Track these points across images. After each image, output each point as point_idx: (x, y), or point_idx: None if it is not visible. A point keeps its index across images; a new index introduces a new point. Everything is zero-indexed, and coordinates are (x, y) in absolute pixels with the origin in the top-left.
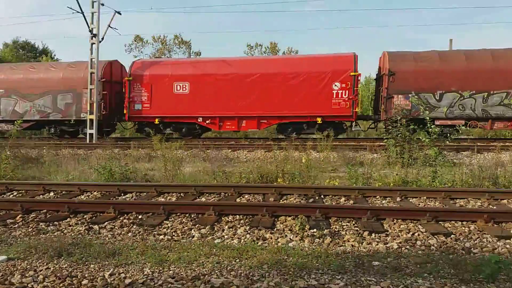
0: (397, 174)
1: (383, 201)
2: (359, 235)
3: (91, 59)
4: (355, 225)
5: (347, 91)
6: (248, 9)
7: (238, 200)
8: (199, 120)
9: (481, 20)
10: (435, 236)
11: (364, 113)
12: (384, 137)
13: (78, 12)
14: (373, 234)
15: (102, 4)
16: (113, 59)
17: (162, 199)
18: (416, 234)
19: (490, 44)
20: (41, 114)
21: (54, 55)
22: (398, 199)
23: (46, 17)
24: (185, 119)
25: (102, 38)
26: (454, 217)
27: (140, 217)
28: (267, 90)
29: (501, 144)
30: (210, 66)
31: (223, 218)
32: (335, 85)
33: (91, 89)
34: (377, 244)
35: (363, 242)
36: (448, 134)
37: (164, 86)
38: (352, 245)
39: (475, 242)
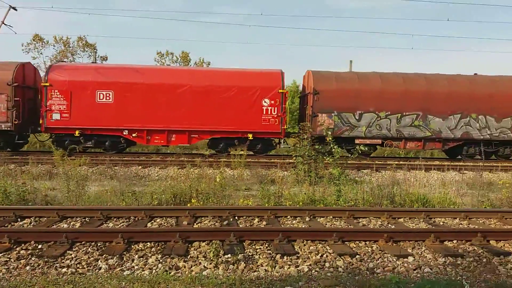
0: (305, 193)
1: (294, 221)
2: (272, 258)
3: None
4: (268, 248)
5: (276, 108)
6: (161, 16)
7: (149, 224)
8: (124, 133)
9: (375, 44)
10: (342, 257)
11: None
12: (293, 155)
13: None
14: (285, 257)
15: None
16: (25, 61)
17: (65, 225)
18: (325, 255)
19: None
20: None
21: None
22: (307, 218)
23: None
24: (109, 132)
25: None
26: (358, 237)
27: (40, 247)
28: (198, 103)
29: (396, 162)
30: (137, 74)
31: (133, 246)
32: (265, 102)
33: None
34: (289, 268)
35: (275, 266)
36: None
37: (85, 94)
38: (266, 270)
39: (378, 262)
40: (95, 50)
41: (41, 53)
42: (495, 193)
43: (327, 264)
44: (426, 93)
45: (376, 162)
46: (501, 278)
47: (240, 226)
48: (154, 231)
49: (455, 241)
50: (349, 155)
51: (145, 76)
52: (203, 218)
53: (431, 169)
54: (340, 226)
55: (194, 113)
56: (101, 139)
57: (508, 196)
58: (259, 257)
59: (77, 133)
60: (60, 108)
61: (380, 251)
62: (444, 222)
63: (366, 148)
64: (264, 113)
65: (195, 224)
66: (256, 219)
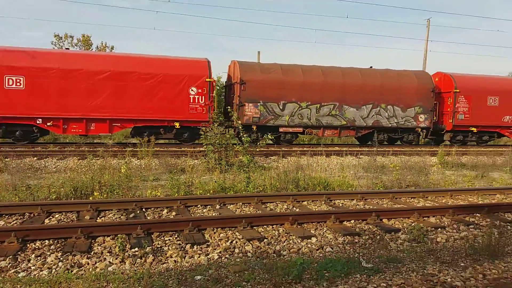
0: (215, 181)
1: (204, 210)
2: (182, 249)
3: None
4: (178, 238)
5: (203, 97)
6: None
7: (47, 221)
8: (38, 122)
9: (280, 37)
10: (251, 242)
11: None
12: (204, 143)
13: None
14: (195, 246)
15: None
16: None
17: None
18: (234, 241)
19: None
20: None
21: None
22: (218, 206)
23: None
24: (20, 120)
25: None
26: (266, 222)
27: None
28: (121, 90)
29: (300, 149)
30: (52, 59)
31: (28, 245)
32: (192, 90)
33: None
34: (199, 257)
35: (185, 256)
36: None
37: None
38: (175, 261)
39: (284, 244)
40: None
41: None
42: (387, 176)
43: (236, 250)
44: (342, 85)
45: (283, 149)
46: (392, 252)
47: (148, 218)
48: (52, 227)
49: (353, 221)
50: (272, 143)
51: (61, 60)
52: (107, 211)
53: (331, 155)
54: (249, 212)
55: (116, 100)
56: (11, 128)
57: (398, 178)
58: (168, 249)
59: None
60: None
61: (286, 234)
62: (343, 203)
63: (272, 138)
64: (192, 101)
65: (98, 218)
66: (165, 210)
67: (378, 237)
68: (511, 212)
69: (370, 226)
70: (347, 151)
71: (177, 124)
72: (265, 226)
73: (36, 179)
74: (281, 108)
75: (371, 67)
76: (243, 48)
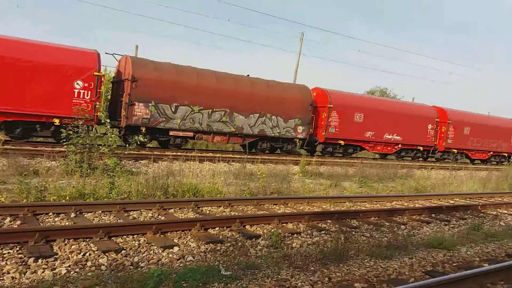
0: (74, 186)
1: (56, 219)
2: (23, 263)
3: None
4: (20, 251)
5: (89, 92)
6: None
7: None
8: None
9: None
10: (106, 254)
11: None
12: (64, 143)
13: None
14: (39, 260)
15: None
16: None
17: None
18: (88, 254)
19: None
20: None
21: None
22: (73, 215)
23: None
24: None
25: None
26: (126, 232)
27: None
28: None
29: (173, 153)
30: None
31: None
32: (78, 84)
33: None
34: (43, 272)
35: (26, 272)
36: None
37: None
38: (13, 277)
39: (143, 255)
40: None
41: None
42: (255, 182)
43: (89, 263)
44: (233, 92)
45: (155, 152)
46: (251, 259)
47: None
48: None
49: (217, 228)
50: (160, 146)
51: None
52: None
53: (204, 160)
54: (108, 221)
55: None
56: None
57: (264, 185)
58: (6, 263)
59: None
60: None
61: (147, 244)
62: (210, 210)
63: (146, 139)
64: (76, 96)
65: None
66: (8, 219)
67: (240, 243)
68: (356, 219)
69: (234, 233)
70: (220, 157)
71: (56, 121)
72: (125, 237)
73: None
74: (173, 110)
75: (248, 75)
76: (118, 40)
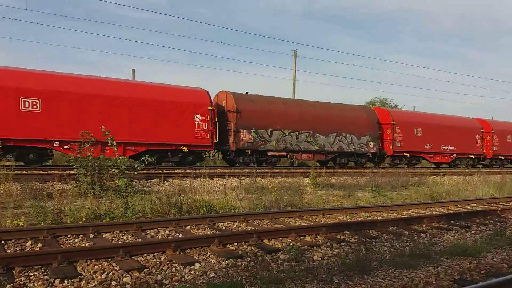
0: (89, 208)
1: (76, 240)
2: (50, 284)
3: None
4: (45, 273)
5: (206, 123)
6: None
7: None
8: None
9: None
10: (130, 272)
11: None
12: (74, 166)
13: None
14: (65, 281)
15: None
16: None
17: None
18: (111, 273)
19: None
20: None
21: None
22: (92, 236)
23: None
24: (36, 143)
25: None
26: (146, 250)
27: None
28: (133, 116)
29: (182, 171)
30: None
31: None
32: (197, 117)
33: None
34: None
35: None
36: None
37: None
38: None
39: (166, 273)
40: None
41: None
42: (267, 196)
43: (114, 283)
44: (314, 116)
45: (164, 171)
46: (273, 273)
47: (9, 251)
48: None
49: (236, 244)
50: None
51: (77, 85)
52: None
53: (214, 177)
54: (127, 240)
55: (128, 125)
56: (25, 151)
57: (276, 199)
58: (34, 285)
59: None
60: None
61: (168, 262)
62: (226, 226)
63: (153, 159)
64: (197, 127)
65: None
66: (29, 242)
67: (260, 258)
68: (374, 229)
69: (252, 248)
70: (229, 173)
71: (185, 148)
72: (145, 255)
73: None
74: (269, 134)
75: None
76: (115, 65)
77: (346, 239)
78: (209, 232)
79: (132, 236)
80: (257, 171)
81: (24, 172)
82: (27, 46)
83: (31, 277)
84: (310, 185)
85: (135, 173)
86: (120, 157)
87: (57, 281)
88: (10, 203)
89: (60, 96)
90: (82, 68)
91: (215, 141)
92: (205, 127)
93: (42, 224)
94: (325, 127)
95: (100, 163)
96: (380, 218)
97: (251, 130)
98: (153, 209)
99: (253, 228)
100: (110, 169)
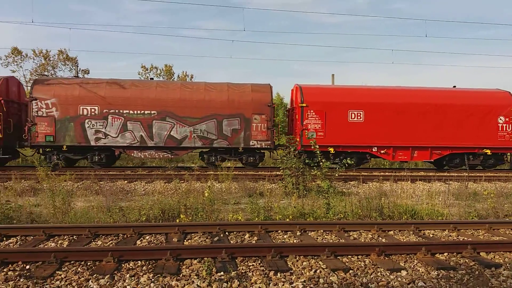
0: (295, 207)
1: (285, 236)
2: (266, 275)
3: None
4: (261, 264)
5: (510, 125)
6: (136, 30)
7: (138, 242)
8: (373, 150)
9: (355, 59)
10: (336, 272)
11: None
12: (280, 167)
13: None
14: (278, 274)
15: None
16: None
17: (53, 244)
18: (318, 271)
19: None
20: (204, 141)
21: None
22: (298, 233)
23: None
24: (358, 149)
25: None
26: (350, 252)
27: (28, 267)
28: (439, 120)
29: (382, 174)
30: (385, 94)
31: (123, 265)
32: (500, 119)
33: None
34: (283, 285)
35: (270, 283)
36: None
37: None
38: None
39: (371, 276)
40: (76, 64)
41: (20, 67)
42: (481, 203)
43: (321, 280)
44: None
45: (363, 173)
46: None
47: (231, 242)
48: (144, 249)
49: (446, 254)
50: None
51: (393, 96)
52: (192, 234)
53: (416, 180)
54: (331, 241)
55: (435, 130)
56: (349, 155)
57: (494, 206)
58: (253, 274)
59: (332, 150)
60: (315, 127)
61: (373, 266)
62: (433, 234)
63: (353, 162)
64: (500, 130)
65: (185, 240)
66: (247, 235)
67: (477, 272)
68: None
69: (466, 260)
70: (434, 176)
71: (488, 151)
72: (349, 256)
73: (127, 201)
74: None
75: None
76: (313, 72)
77: None
78: (415, 239)
79: (335, 236)
80: (470, 174)
81: (240, 173)
82: (244, 62)
83: (250, 267)
84: None
85: (336, 175)
86: (323, 160)
87: (271, 273)
88: (230, 200)
89: (379, 106)
90: (292, 79)
91: None
92: (508, 129)
93: (256, 219)
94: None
95: (303, 165)
96: None
97: None
98: (354, 211)
99: (465, 238)
100: (312, 171)
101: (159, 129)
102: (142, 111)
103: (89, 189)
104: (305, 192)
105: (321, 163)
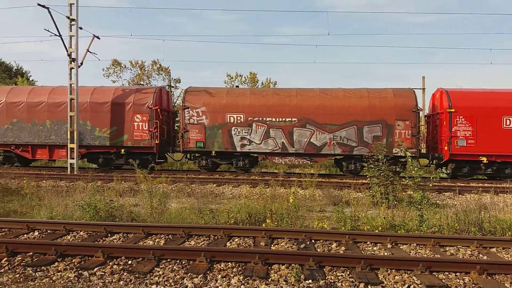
0: (384, 218)
1: (374, 248)
2: (355, 287)
3: (71, 85)
4: (350, 275)
5: None
6: (221, 40)
7: (228, 244)
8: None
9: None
10: None
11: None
12: (368, 175)
13: (56, 35)
14: (369, 286)
15: (81, 28)
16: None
17: (151, 242)
18: (412, 286)
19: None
20: (344, 148)
21: (30, 76)
22: (389, 245)
23: (22, 37)
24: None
25: (81, 63)
26: (447, 268)
27: (130, 262)
28: None
29: (481, 185)
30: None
31: (215, 266)
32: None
33: (71, 116)
34: None
35: None
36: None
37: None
38: None
39: None
40: (169, 74)
41: (120, 77)
42: None
43: None
44: None
45: (458, 184)
46: None
47: (318, 250)
48: (234, 251)
49: None
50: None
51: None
52: (279, 239)
53: None
54: (426, 255)
55: None
56: (504, 165)
57: None
58: (342, 285)
59: (485, 160)
60: (465, 134)
61: (473, 285)
62: None
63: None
64: None
65: (271, 245)
66: (334, 244)
67: None
68: None
69: None
70: None
71: None
72: (446, 273)
73: (216, 204)
74: None
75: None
76: (398, 74)
77: None
78: None
79: (430, 251)
80: None
81: (323, 180)
82: (328, 67)
83: (338, 277)
84: None
85: (430, 185)
86: (416, 169)
87: (361, 285)
88: (315, 207)
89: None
90: (373, 83)
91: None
92: None
93: (343, 228)
94: None
95: (387, 173)
96: None
97: None
98: (450, 224)
99: None
100: (404, 179)
101: (300, 136)
102: (284, 119)
103: (181, 191)
104: (395, 202)
105: (413, 172)
